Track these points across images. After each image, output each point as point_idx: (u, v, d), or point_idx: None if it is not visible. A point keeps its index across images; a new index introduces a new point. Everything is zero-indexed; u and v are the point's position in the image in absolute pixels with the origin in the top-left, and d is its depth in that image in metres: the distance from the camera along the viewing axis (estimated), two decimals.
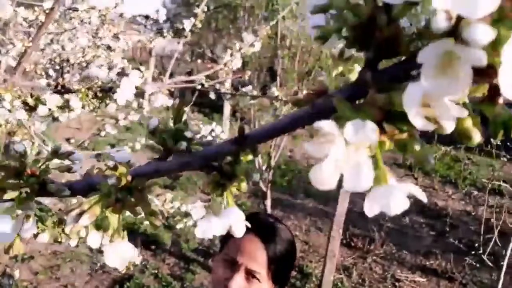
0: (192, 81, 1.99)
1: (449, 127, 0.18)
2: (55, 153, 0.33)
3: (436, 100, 0.17)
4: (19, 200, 0.31)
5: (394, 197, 0.19)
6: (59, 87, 0.72)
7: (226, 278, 0.92)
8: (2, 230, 0.29)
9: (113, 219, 0.27)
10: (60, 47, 2.50)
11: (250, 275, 0.92)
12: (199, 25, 1.89)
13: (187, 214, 2.07)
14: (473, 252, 4.48)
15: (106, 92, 0.75)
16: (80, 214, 0.25)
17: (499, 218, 3.66)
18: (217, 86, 1.85)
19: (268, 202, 3.98)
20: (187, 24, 1.92)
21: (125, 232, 0.28)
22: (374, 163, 0.19)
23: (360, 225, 5.00)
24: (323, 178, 0.18)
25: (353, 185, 0.18)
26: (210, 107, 9.55)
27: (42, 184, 0.31)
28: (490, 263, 3.80)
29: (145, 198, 0.27)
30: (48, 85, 0.73)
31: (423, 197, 0.20)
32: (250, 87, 1.89)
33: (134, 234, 4.01)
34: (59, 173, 0.38)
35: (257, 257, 0.92)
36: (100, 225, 0.28)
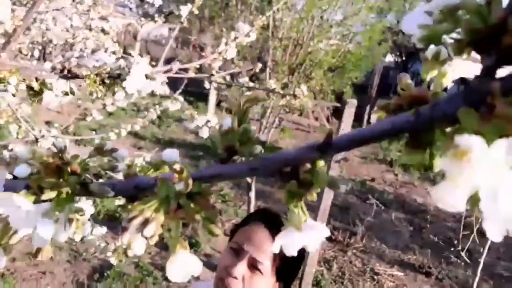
0: (185, 69, 1.95)
1: None
2: (99, 149, 0.30)
3: None
4: (58, 201, 0.28)
5: None
6: (65, 72, 0.68)
7: (230, 265, 0.92)
8: (41, 235, 0.26)
9: (173, 228, 0.25)
10: (45, 27, 2.41)
11: (254, 266, 0.91)
12: (196, 12, 1.85)
13: None
14: (451, 249, 4.61)
15: (114, 79, 0.71)
16: (144, 223, 0.23)
17: (478, 216, 3.75)
18: (215, 75, 1.81)
19: (253, 194, 3.97)
20: (184, 10, 1.86)
21: (187, 242, 0.25)
22: None
23: (341, 218, 5.06)
24: (455, 201, 0.16)
25: (491, 210, 0.16)
26: (194, 95, 9.43)
27: (83, 183, 0.28)
28: (466, 259, 3.91)
29: (209, 204, 0.24)
30: (53, 68, 0.68)
31: None
32: (246, 78, 1.86)
33: (114, 222, 3.95)
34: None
35: (263, 247, 0.91)
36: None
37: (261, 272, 0.91)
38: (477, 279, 3.20)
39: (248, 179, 3.91)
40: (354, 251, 4.43)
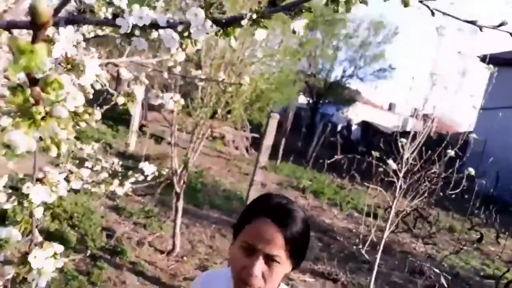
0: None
1: None
2: None
3: None
4: None
5: None
6: None
7: (248, 265, 0.95)
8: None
9: None
10: None
11: (270, 259, 0.95)
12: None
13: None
14: (353, 260, 5.22)
15: None
16: None
17: (377, 235, 4.31)
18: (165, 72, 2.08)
19: (180, 204, 4.16)
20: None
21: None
22: None
23: None
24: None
25: None
26: (115, 119, 9.40)
27: None
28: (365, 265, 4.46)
29: None
30: None
31: None
32: (200, 71, 2.20)
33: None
34: None
35: (275, 241, 0.95)
36: None
37: (278, 263, 0.96)
38: (372, 281, 3.69)
39: (177, 189, 4.12)
40: None
